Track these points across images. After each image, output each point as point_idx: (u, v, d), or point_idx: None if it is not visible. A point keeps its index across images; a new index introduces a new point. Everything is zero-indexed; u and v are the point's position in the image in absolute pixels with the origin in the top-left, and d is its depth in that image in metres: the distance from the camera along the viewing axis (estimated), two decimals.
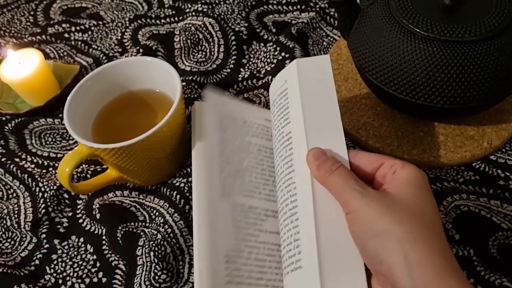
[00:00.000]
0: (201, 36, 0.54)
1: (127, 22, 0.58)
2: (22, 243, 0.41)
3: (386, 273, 0.26)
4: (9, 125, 0.48)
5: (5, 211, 0.42)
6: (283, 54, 0.50)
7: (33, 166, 0.45)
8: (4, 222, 0.42)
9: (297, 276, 0.29)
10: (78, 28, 0.59)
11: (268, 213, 0.36)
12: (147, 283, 0.36)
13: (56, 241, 0.40)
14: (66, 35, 0.58)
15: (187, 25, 0.54)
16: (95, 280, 0.38)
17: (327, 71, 0.35)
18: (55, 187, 0.42)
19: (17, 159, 0.45)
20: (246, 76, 0.51)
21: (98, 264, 0.39)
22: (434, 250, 0.25)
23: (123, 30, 0.57)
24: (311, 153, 0.31)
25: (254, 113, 0.41)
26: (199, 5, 0.56)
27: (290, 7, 0.57)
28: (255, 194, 0.36)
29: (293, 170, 0.32)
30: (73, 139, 0.48)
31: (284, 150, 0.34)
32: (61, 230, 0.41)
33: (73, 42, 0.57)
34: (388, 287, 0.26)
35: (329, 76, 0.35)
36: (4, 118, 0.48)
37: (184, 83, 0.49)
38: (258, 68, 0.51)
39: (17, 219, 0.42)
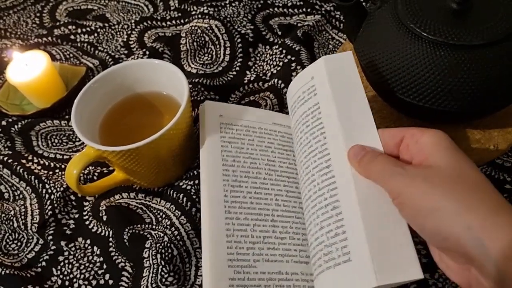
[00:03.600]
0: (207, 38, 0.54)
1: (133, 24, 0.58)
2: (29, 244, 0.41)
3: (455, 248, 0.25)
4: (16, 126, 0.48)
5: (12, 213, 0.42)
6: (289, 57, 0.50)
7: (39, 167, 0.45)
8: (11, 223, 0.42)
9: (345, 270, 0.28)
10: (84, 30, 0.59)
11: (275, 216, 0.36)
12: (154, 285, 0.36)
13: (62, 243, 0.40)
14: (72, 37, 0.58)
15: (193, 28, 0.54)
16: (101, 282, 0.38)
17: (352, 67, 0.36)
18: (61, 188, 0.43)
19: (24, 161, 0.45)
20: (252, 78, 0.51)
21: (104, 266, 0.39)
22: (493, 210, 0.24)
23: (129, 32, 0.57)
24: (352, 151, 0.31)
25: (261, 118, 0.41)
26: (205, 7, 0.57)
27: (296, 10, 0.57)
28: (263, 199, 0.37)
29: (329, 165, 0.32)
30: (79, 140, 0.48)
31: (317, 145, 0.34)
32: (68, 231, 0.41)
33: (79, 44, 0.58)
34: (462, 260, 0.26)
35: (355, 71, 0.36)
36: (10, 120, 0.48)
37: (190, 86, 0.49)
38: (264, 71, 0.51)
39: (23, 221, 0.42)
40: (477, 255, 0.24)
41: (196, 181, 0.41)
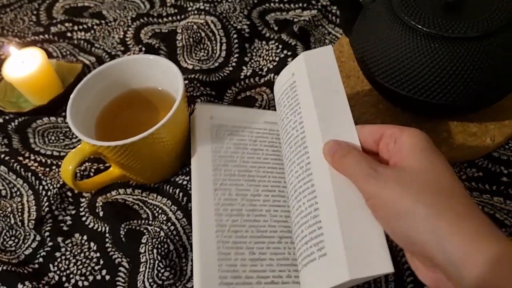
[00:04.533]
0: (203, 34, 0.54)
1: (130, 21, 0.58)
2: (26, 241, 0.41)
3: (421, 253, 0.25)
4: (13, 124, 0.48)
5: (9, 209, 0.42)
6: (285, 52, 0.50)
7: (36, 164, 0.45)
8: (8, 220, 0.42)
9: (321, 264, 0.29)
10: (80, 27, 0.59)
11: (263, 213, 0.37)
12: (150, 280, 0.36)
13: (59, 239, 0.40)
14: (68, 34, 0.58)
15: (189, 24, 0.54)
16: (98, 277, 0.38)
17: (332, 61, 0.36)
18: (58, 185, 0.43)
19: (21, 158, 0.45)
20: (248, 74, 0.51)
21: (101, 262, 0.39)
22: (460, 216, 0.24)
23: (126, 29, 0.57)
24: (327, 146, 0.31)
25: (253, 117, 0.42)
26: (201, 3, 0.57)
27: (292, 5, 0.57)
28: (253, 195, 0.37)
29: (308, 162, 0.32)
30: (76, 137, 0.48)
31: (296, 140, 0.34)
32: (65, 228, 0.41)
33: (75, 41, 0.58)
34: (429, 264, 0.26)
35: (334, 66, 0.36)
36: (7, 117, 0.48)
37: (186, 82, 0.49)
38: (260, 66, 0.51)
39: (20, 217, 0.42)
40: (441, 261, 0.24)
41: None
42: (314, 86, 0.35)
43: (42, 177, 0.43)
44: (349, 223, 0.28)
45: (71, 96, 0.39)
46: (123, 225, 0.40)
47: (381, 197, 0.27)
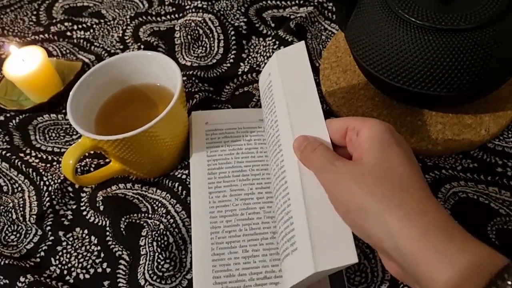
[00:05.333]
0: (201, 31, 0.55)
1: (128, 19, 0.59)
2: (28, 235, 0.41)
3: (378, 246, 0.26)
4: (14, 121, 0.48)
5: (11, 205, 0.43)
6: (282, 48, 0.51)
7: (37, 161, 0.46)
8: (10, 215, 0.42)
9: (293, 259, 0.29)
10: (80, 26, 0.60)
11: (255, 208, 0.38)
12: (150, 272, 0.37)
13: (60, 233, 0.41)
14: (68, 33, 0.59)
15: (187, 21, 0.55)
16: (99, 270, 0.38)
17: (303, 57, 0.37)
18: (59, 180, 0.43)
19: (22, 154, 0.46)
20: (246, 70, 0.51)
21: (102, 255, 0.39)
22: (413, 211, 0.25)
23: (124, 27, 0.58)
24: (296, 142, 0.32)
25: (247, 117, 0.43)
26: (199, 1, 0.57)
27: (288, 2, 0.58)
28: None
29: (282, 160, 0.34)
30: (76, 134, 0.48)
31: (273, 139, 0.36)
32: (66, 222, 0.42)
33: (75, 40, 0.58)
34: (387, 256, 0.27)
35: (306, 62, 0.37)
36: (8, 115, 0.49)
37: (184, 78, 0.49)
38: (257, 62, 0.52)
39: (22, 212, 0.42)
40: (395, 255, 0.25)
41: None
42: (286, 84, 0.36)
43: (43, 172, 0.44)
44: (316, 217, 0.29)
45: (71, 92, 0.40)
46: (123, 219, 0.40)
47: (337, 192, 0.27)
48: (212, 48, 0.54)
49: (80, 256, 0.39)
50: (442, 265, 0.22)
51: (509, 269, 0.21)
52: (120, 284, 0.37)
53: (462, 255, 0.23)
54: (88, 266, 0.39)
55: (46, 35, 0.59)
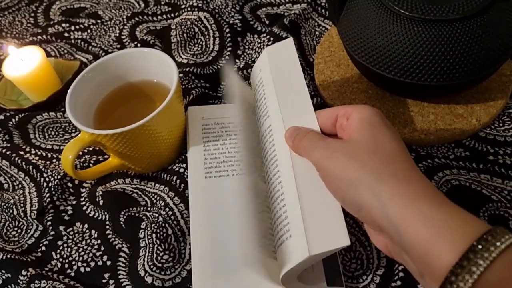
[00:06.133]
0: (196, 29, 0.55)
1: (125, 19, 0.60)
2: (29, 231, 0.42)
3: (368, 218, 0.27)
4: (13, 120, 0.49)
5: (12, 201, 0.44)
6: None
7: (37, 158, 0.46)
8: (11, 211, 0.43)
9: (288, 244, 0.30)
10: (77, 27, 0.60)
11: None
12: (150, 263, 0.37)
13: (61, 228, 0.41)
14: (66, 34, 0.60)
15: (183, 20, 0.56)
16: (100, 263, 0.39)
17: (292, 52, 0.38)
18: (59, 176, 0.44)
19: (22, 152, 0.47)
20: (241, 66, 0.52)
21: (102, 248, 0.40)
22: (402, 180, 0.26)
23: (121, 27, 0.59)
24: (288, 132, 0.33)
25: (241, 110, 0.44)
26: (194, 0, 0.58)
27: (282, 0, 0.59)
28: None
29: (276, 154, 0.34)
30: (75, 131, 0.49)
31: (266, 133, 0.36)
32: (66, 217, 0.42)
33: (73, 41, 0.59)
34: (377, 228, 0.28)
35: (295, 57, 0.38)
36: (8, 114, 0.50)
37: (181, 75, 0.50)
38: (252, 59, 0.53)
39: (23, 208, 0.43)
40: (384, 224, 0.26)
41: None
42: (276, 79, 0.37)
43: (43, 169, 0.45)
44: (308, 203, 0.30)
45: (70, 88, 0.41)
46: (122, 213, 0.41)
47: (329, 166, 0.28)
48: (208, 46, 0.55)
49: (80, 249, 0.40)
50: (432, 229, 0.23)
51: (492, 232, 0.22)
52: (120, 276, 0.38)
53: (451, 219, 0.24)
54: (89, 259, 0.39)
55: (44, 36, 0.60)
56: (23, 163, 0.46)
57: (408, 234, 0.24)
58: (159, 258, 0.38)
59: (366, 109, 0.30)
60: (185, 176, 0.42)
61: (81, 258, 0.40)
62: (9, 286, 0.38)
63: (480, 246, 0.21)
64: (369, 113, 0.30)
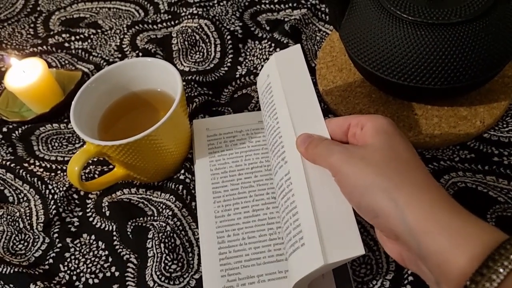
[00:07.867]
0: (197, 37, 0.56)
1: (125, 28, 0.60)
2: (35, 244, 0.42)
3: (385, 225, 0.27)
4: (16, 132, 0.49)
5: (17, 214, 0.44)
6: (278, 50, 0.52)
7: (41, 170, 0.46)
8: (17, 224, 0.43)
9: (301, 252, 0.30)
10: (77, 37, 0.60)
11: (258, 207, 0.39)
12: (158, 273, 0.37)
13: (68, 240, 0.41)
14: (66, 44, 0.60)
15: (183, 28, 0.56)
16: (108, 274, 0.39)
17: (300, 59, 0.38)
18: (64, 188, 0.44)
19: (26, 164, 0.46)
20: (243, 73, 0.52)
21: (110, 259, 0.40)
22: (419, 188, 0.26)
23: (122, 36, 0.59)
24: (299, 139, 0.33)
25: (246, 120, 0.45)
26: (194, 8, 0.58)
27: (282, 5, 0.59)
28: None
29: (286, 161, 0.34)
30: (79, 142, 0.49)
31: (275, 140, 0.36)
32: (73, 229, 0.42)
33: (73, 51, 0.59)
34: (392, 236, 0.28)
35: (303, 63, 0.38)
36: (11, 126, 0.49)
37: (184, 83, 0.50)
38: (254, 65, 0.53)
39: (29, 221, 0.43)
40: (401, 231, 0.26)
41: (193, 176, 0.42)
42: (285, 85, 0.37)
43: (48, 181, 0.45)
44: (322, 211, 0.30)
45: (74, 99, 0.41)
46: (129, 223, 0.41)
47: (346, 171, 0.28)
48: (209, 53, 0.55)
49: (88, 261, 0.40)
50: (451, 237, 0.23)
51: (511, 241, 0.22)
52: (129, 287, 0.38)
53: (469, 227, 0.24)
54: (97, 271, 0.39)
55: (45, 47, 0.60)
56: (28, 175, 0.45)
57: (426, 241, 0.24)
58: (167, 267, 0.38)
59: (380, 119, 0.30)
60: (191, 186, 0.42)
61: (89, 270, 0.39)
62: None
63: (499, 255, 0.21)
64: (383, 122, 0.30)
